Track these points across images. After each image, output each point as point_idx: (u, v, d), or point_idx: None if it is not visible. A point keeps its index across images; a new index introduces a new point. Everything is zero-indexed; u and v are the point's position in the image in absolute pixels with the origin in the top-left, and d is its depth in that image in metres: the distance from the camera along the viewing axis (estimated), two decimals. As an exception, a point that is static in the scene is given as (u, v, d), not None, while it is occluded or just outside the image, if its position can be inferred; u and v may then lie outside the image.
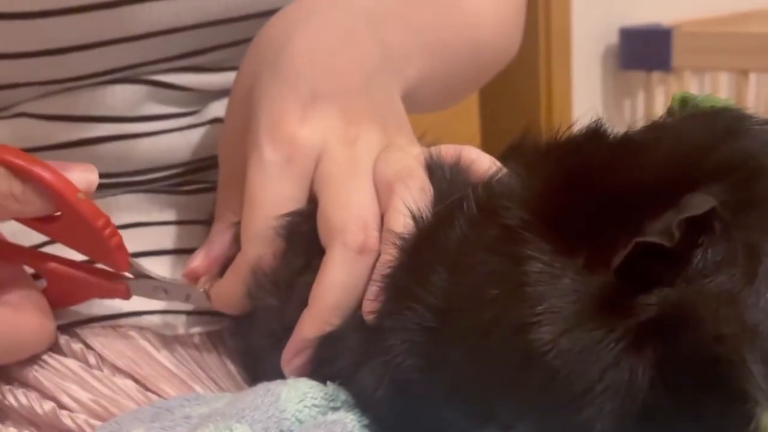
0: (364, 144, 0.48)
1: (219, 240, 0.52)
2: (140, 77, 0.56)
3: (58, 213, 0.45)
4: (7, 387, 0.49)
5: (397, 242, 0.43)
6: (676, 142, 0.38)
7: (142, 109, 0.56)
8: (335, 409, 0.42)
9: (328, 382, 0.43)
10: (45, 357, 0.50)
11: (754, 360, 0.33)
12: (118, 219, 0.55)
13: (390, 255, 0.43)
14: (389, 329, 0.41)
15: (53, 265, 0.49)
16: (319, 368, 0.44)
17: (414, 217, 0.44)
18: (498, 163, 0.47)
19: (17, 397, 0.48)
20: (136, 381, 0.50)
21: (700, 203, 0.34)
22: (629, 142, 0.40)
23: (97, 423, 0.47)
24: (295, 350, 0.45)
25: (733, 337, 0.34)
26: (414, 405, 0.41)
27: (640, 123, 0.42)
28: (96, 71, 0.54)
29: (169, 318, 0.53)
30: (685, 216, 0.34)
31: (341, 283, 0.44)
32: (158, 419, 0.44)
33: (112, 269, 0.49)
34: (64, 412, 0.48)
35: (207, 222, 0.55)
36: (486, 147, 0.49)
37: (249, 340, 0.50)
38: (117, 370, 0.51)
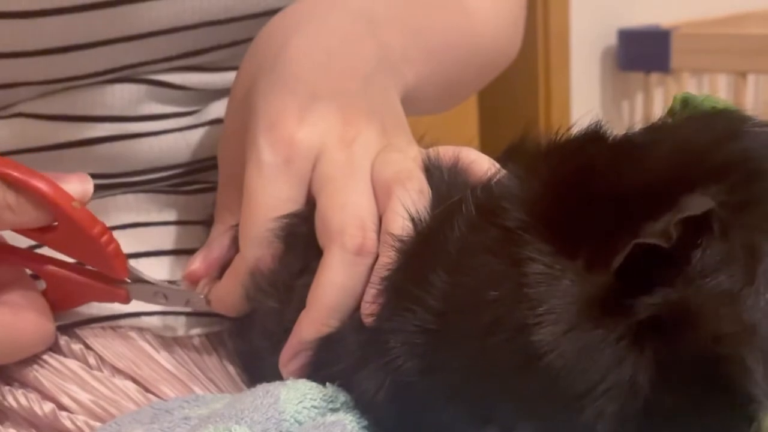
0: (362, 145, 0.48)
1: (218, 242, 0.52)
2: (140, 77, 0.56)
3: (55, 223, 0.45)
4: (7, 388, 0.49)
5: (396, 244, 0.43)
6: (676, 144, 0.38)
7: (141, 109, 0.56)
8: (334, 410, 0.42)
9: (328, 384, 0.43)
10: (45, 357, 0.50)
11: (753, 360, 0.34)
12: (117, 219, 0.55)
13: (388, 257, 0.43)
14: (389, 331, 0.41)
15: (53, 268, 0.49)
16: (318, 370, 0.44)
17: (412, 219, 0.44)
18: (497, 165, 0.47)
19: (17, 398, 0.48)
20: (136, 382, 0.50)
21: (698, 204, 0.34)
22: (629, 143, 0.40)
23: (96, 424, 0.47)
24: (293, 352, 0.45)
25: (732, 337, 0.34)
26: (414, 407, 0.41)
27: (639, 124, 0.42)
28: (96, 71, 0.54)
29: (169, 319, 0.53)
30: (683, 217, 0.34)
31: (339, 285, 0.44)
32: (157, 420, 0.44)
33: (109, 275, 0.49)
34: (64, 414, 0.48)
35: (206, 222, 0.55)
36: (485, 148, 0.49)
37: (248, 341, 0.50)
38: (117, 371, 0.51)
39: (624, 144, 0.40)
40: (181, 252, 0.55)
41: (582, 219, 0.37)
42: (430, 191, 0.46)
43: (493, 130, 1.81)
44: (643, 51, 1.99)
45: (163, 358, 0.52)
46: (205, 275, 0.51)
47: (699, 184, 0.36)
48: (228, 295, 0.49)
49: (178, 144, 0.57)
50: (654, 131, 0.41)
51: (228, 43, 0.57)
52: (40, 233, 0.46)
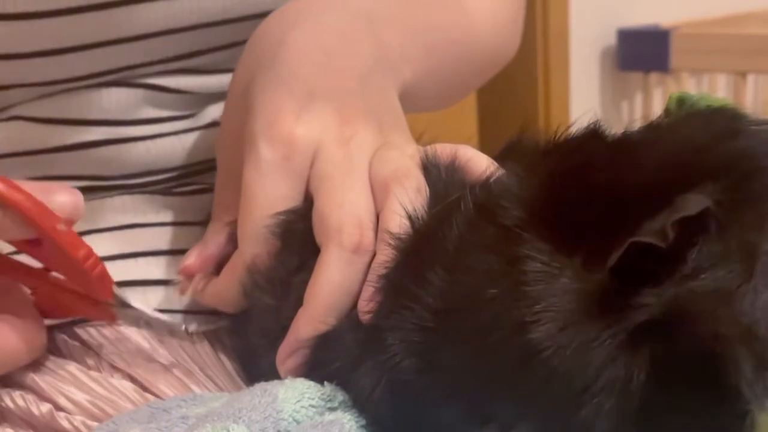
0: (359, 143, 0.48)
1: (214, 239, 0.52)
2: (136, 80, 0.56)
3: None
4: (5, 389, 0.49)
5: (393, 242, 0.43)
6: (674, 142, 0.38)
7: (137, 113, 0.56)
8: (332, 409, 0.42)
9: (326, 383, 0.43)
10: (42, 359, 0.50)
11: (748, 359, 0.34)
12: (113, 220, 0.55)
13: (386, 255, 0.43)
14: (387, 329, 0.41)
15: (42, 283, 0.49)
16: (315, 368, 0.44)
17: (410, 217, 0.44)
18: (494, 163, 0.47)
19: (14, 400, 0.48)
20: (134, 380, 0.50)
21: (694, 203, 0.34)
22: (627, 142, 0.40)
23: (94, 424, 0.47)
24: (290, 350, 0.45)
25: (728, 335, 0.34)
26: (412, 405, 0.41)
27: (638, 124, 0.42)
28: (92, 72, 0.54)
29: (167, 317, 0.53)
30: (679, 216, 0.34)
31: (336, 283, 0.44)
32: (155, 420, 0.43)
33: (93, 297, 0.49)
34: (61, 414, 0.48)
35: (203, 224, 0.55)
36: (484, 147, 0.49)
37: (245, 339, 0.50)
38: (115, 369, 0.51)
39: (622, 142, 0.40)
40: (177, 252, 0.55)
41: (580, 217, 0.37)
42: (428, 189, 0.46)
43: (492, 129, 1.81)
44: (642, 51, 1.99)
45: (161, 356, 0.52)
46: (199, 270, 0.51)
47: (696, 183, 0.36)
48: (226, 291, 0.49)
49: (174, 147, 0.57)
50: (652, 130, 0.41)
51: (225, 44, 0.57)
52: (27, 245, 0.45)
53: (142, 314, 0.49)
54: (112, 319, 0.49)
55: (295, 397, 0.41)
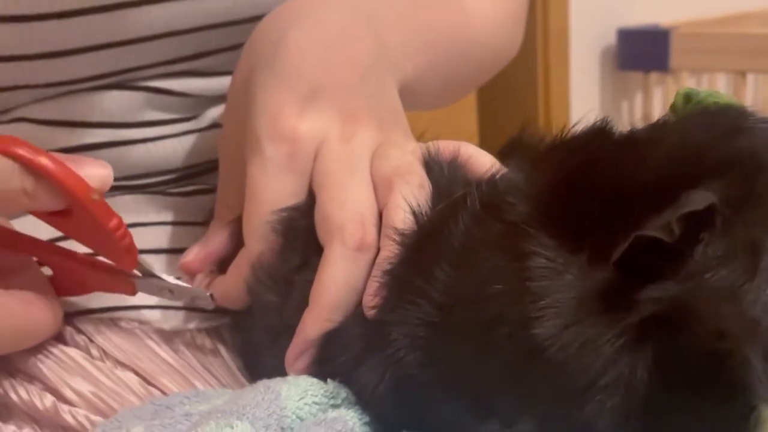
0: (360, 140, 0.48)
1: (214, 236, 0.52)
2: (138, 83, 0.56)
3: (70, 208, 0.44)
4: (9, 381, 0.49)
5: (398, 238, 0.43)
6: (680, 140, 0.38)
7: (139, 116, 0.56)
8: (336, 406, 0.42)
9: (329, 380, 0.43)
10: (49, 347, 0.50)
11: (754, 355, 0.34)
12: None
13: (391, 251, 0.43)
14: (391, 324, 0.41)
15: (59, 258, 0.49)
16: (321, 364, 0.44)
17: (414, 213, 0.44)
18: (495, 160, 0.47)
19: (18, 393, 0.48)
20: (138, 374, 0.50)
21: (700, 199, 0.34)
22: (633, 139, 0.40)
23: (97, 419, 0.47)
24: (298, 351, 0.45)
25: (733, 332, 0.34)
26: (415, 400, 0.41)
27: (638, 123, 0.42)
28: (94, 74, 0.54)
29: (170, 313, 0.53)
30: (685, 211, 0.34)
31: (341, 281, 0.44)
32: (158, 417, 0.43)
33: (119, 267, 0.49)
34: (65, 408, 0.48)
35: (203, 223, 0.55)
36: (484, 146, 0.49)
37: (248, 335, 0.50)
38: (119, 363, 0.51)
39: (628, 140, 0.40)
40: (178, 251, 0.55)
41: (586, 214, 0.37)
42: (430, 185, 0.46)
43: (492, 128, 1.81)
44: (642, 50, 1.99)
45: (164, 351, 0.52)
46: (199, 267, 0.51)
47: (702, 180, 0.36)
48: (232, 289, 0.49)
49: (175, 149, 0.57)
50: (657, 128, 0.41)
51: (227, 46, 0.57)
52: (54, 217, 0.45)
53: (166, 283, 0.49)
54: (131, 292, 0.49)
55: (299, 394, 0.41)
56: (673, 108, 0.43)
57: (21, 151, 0.42)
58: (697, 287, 0.34)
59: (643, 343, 0.35)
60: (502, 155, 0.48)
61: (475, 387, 0.39)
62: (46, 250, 0.49)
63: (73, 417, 0.47)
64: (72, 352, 0.50)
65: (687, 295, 0.34)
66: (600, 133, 0.42)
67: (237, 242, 0.50)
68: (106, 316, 0.52)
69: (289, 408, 0.41)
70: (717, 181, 0.36)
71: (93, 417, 0.47)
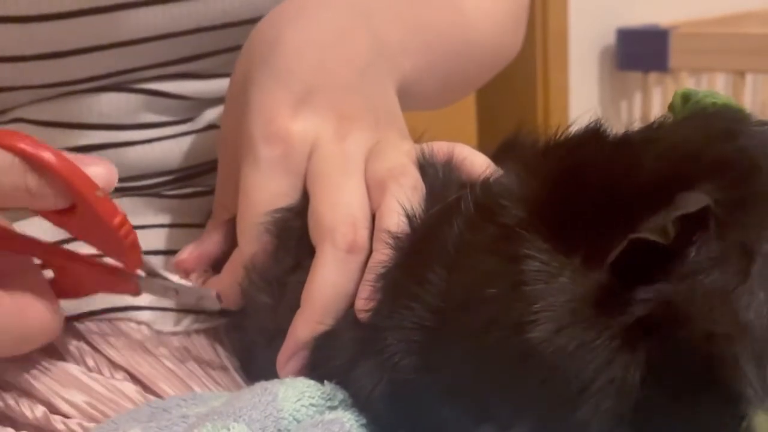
0: (355, 140, 0.48)
1: (209, 236, 0.52)
2: (135, 85, 0.56)
3: (73, 206, 0.44)
4: (5, 393, 0.48)
5: (391, 241, 0.43)
6: (674, 142, 0.38)
7: (136, 117, 0.56)
8: (333, 408, 0.42)
9: (326, 381, 0.43)
10: (42, 362, 0.49)
11: (746, 358, 0.34)
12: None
13: (384, 254, 0.43)
14: (386, 328, 0.41)
15: (62, 259, 0.49)
16: (315, 368, 0.44)
17: (408, 216, 0.44)
18: (491, 162, 0.47)
19: (7, 403, 0.48)
20: (134, 378, 0.50)
21: (694, 201, 0.34)
22: (627, 141, 0.40)
23: (91, 425, 0.47)
24: (290, 353, 0.45)
25: (725, 335, 0.34)
26: (411, 404, 0.41)
27: (637, 124, 0.42)
28: (92, 76, 0.54)
29: (167, 315, 0.53)
30: (679, 213, 0.34)
31: (332, 283, 0.44)
32: (155, 419, 0.43)
33: (124, 266, 0.49)
34: (57, 417, 0.47)
35: (200, 225, 0.55)
36: (483, 147, 0.49)
37: (244, 336, 0.50)
38: (114, 366, 0.50)
39: (622, 142, 0.40)
40: (175, 253, 0.55)
41: (580, 217, 0.37)
42: (424, 187, 0.46)
43: (491, 128, 1.81)
44: (641, 50, 1.99)
45: (161, 354, 0.52)
46: (193, 266, 0.51)
47: (696, 182, 0.36)
48: (226, 289, 0.49)
49: (171, 151, 0.57)
50: (652, 129, 0.41)
51: (224, 49, 0.57)
52: (57, 215, 0.44)
53: (171, 283, 0.49)
54: (135, 293, 0.49)
55: (296, 395, 0.41)
56: (671, 108, 0.43)
57: (24, 146, 0.41)
58: (690, 289, 0.34)
59: (637, 345, 0.35)
60: (496, 157, 0.48)
61: (471, 391, 0.39)
62: (49, 251, 0.49)
63: (66, 425, 0.47)
64: (65, 365, 0.50)
65: (680, 297, 0.34)
66: (594, 134, 0.42)
67: (232, 242, 0.50)
68: (104, 318, 0.52)
69: (286, 410, 0.41)
70: (711, 183, 0.36)
71: (87, 424, 0.47)
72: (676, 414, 0.35)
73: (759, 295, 0.34)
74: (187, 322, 0.53)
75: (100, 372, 0.50)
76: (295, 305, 0.45)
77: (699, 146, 0.37)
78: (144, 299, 0.52)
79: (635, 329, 0.35)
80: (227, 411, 0.40)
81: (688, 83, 2.00)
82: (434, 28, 0.60)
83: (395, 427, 0.42)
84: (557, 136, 0.43)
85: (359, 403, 0.42)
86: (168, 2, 0.53)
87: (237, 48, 0.55)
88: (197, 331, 0.54)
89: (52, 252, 0.49)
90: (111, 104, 0.55)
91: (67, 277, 0.49)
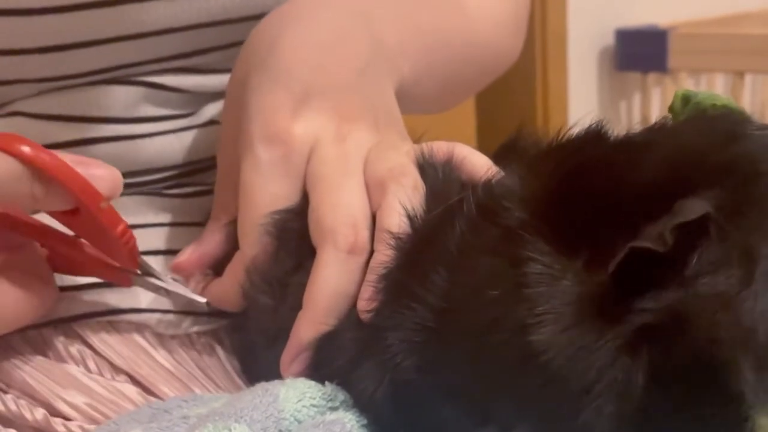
0: (355, 141, 0.48)
1: (209, 239, 0.52)
2: (136, 78, 0.55)
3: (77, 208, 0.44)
4: (4, 395, 0.48)
5: (393, 242, 0.43)
6: (677, 145, 0.38)
7: (137, 111, 0.56)
8: (334, 408, 0.42)
9: (327, 382, 0.43)
10: (42, 363, 0.49)
11: (748, 363, 0.34)
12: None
13: (386, 255, 0.43)
14: (388, 329, 0.41)
15: (58, 243, 0.49)
16: (317, 368, 0.44)
17: (409, 216, 0.44)
18: (490, 162, 0.47)
19: (7, 405, 0.48)
20: (135, 380, 0.50)
21: (693, 208, 0.34)
22: (629, 144, 0.40)
23: (92, 427, 0.47)
24: (293, 355, 0.45)
25: (728, 340, 0.34)
26: (413, 405, 0.41)
27: (637, 124, 0.42)
28: (92, 69, 0.54)
29: (168, 317, 0.53)
30: (677, 222, 0.34)
31: (333, 284, 0.44)
32: (156, 420, 0.44)
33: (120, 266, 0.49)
34: (57, 420, 0.47)
35: (201, 224, 0.55)
36: (482, 147, 0.49)
37: (246, 337, 0.50)
38: (115, 369, 0.50)
39: (624, 144, 0.40)
40: (175, 252, 0.55)
41: (582, 218, 0.37)
42: (425, 188, 0.46)
43: (490, 129, 1.81)
44: (640, 51, 1.99)
45: (161, 356, 0.52)
46: (192, 268, 0.51)
47: (698, 186, 0.36)
48: (228, 291, 0.49)
49: (172, 146, 0.57)
50: (654, 132, 0.41)
51: (225, 44, 0.57)
52: (61, 215, 0.45)
53: (162, 283, 0.49)
54: (127, 284, 0.50)
55: (297, 396, 0.42)
56: (671, 110, 0.43)
57: (28, 152, 0.41)
58: (692, 295, 0.34)
59: (640, 349, 0.35)
60: (497, 158, 0.48)
61: (472, 392, 0.39)
62: (47, 234, 0.49)
63: (66, 427, 0.47)
64: (66, 366, 0.50)
65: (682, 302, 0.34)
66: (596, 136, 0.42)
67: (233, 244, 0.50)
68: (104, 320, 0.52)
69: (287, 410, 0.41)
70: (713, 188, 0.36)
71: (87, 426, 0.47)
72: (678, 418, 0.35)
73: (761, 299, 0.34)
74: (187, 324, 0.53)
75: (101, 375, 0.50)
76: (296, 306, 0.45)
77: (702, 149, 0.37)
78: (145, 301, 0.52)
79: (638, 333, 0.35)
80: (228, 412, 0.40)
81: (687, 84, 2.00)
82: (435, 30, 0.60)
83: (396, 428, 0.42)
84: (559, 138, 0.43)
85: (362, 403, 0.42)
86: None
87: (236, 44, 0.55)
88: (198, 334, 0.54)
89: (49, 234, 0.49)
90: (110, 97, 0.55)
91: (63, 259, 0.49)
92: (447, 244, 0.41)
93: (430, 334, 0.40)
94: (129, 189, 0.56)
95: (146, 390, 0.50)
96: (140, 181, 0.57)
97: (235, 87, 0.52)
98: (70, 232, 0.49)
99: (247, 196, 0.48)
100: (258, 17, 0.54)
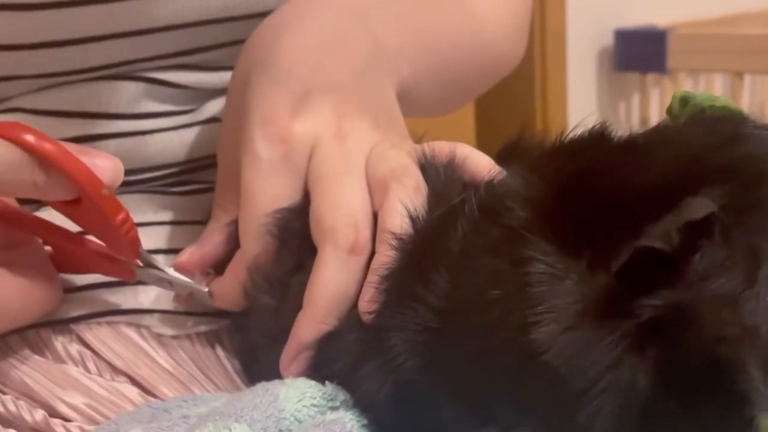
0: (356, 140, 0.48)
1: (209, 238, 0.52)
2: (137, 74, 0.56)
3: (79, 198, 0.44)
4: (4, 396, 0.48)
5: (395, 243, 0.43)
6: (680, 146, 0.38)
7: (138, 107, 0.56)
8: (334, 408, 0.42)
9: (327, 382, 0.43)
10: (41, 363, 0.49)
11: (753, 363, 0.34)
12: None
13: (387, 255, 0.43)
14: (390, 329, 0.41)
15: (61, 239, 0.49)
16: (318, 369, 0.44)
17: (411, 217, 0.44)
18: (492, 161, 0.47)
19: (6, 406, 0.48)
20: (134, 381, 0.50)
21: (699, 207, 0.34)
22: (633, 144, 0.40)
23: (91, 428, 0.47)
24: (293, 354, 0.45)
25: (732, 339, 0.34)
26: (415, 405, 0.41)
27: (636, 125, 0.42)
28: (92, 66, 0.54)
29: (167, 317, 0.53)
30: (684, 220, 0.34)
31: (334, 284, 0.44)
32: (156, 420, 0.43)
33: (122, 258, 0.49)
34: (57, 421, 0.47)
35: (202, 223, 0.55)
36: (482, 148, 0.49)
37: (247, 337, 0.50)
38: (115, 370, 0.50)
39: (628, 145, 0.40)
40: (176, 251, 0.55)
41: (585, 219, 0.37)
42: (427, 188, 0.46)
43: (489, 130, 1.81)
44: (639, 51, 2.00)
45: (161, 357, 0.52)
46: (193, 268, 0.51)
47: (702, 186, 0.36)
48: (229, 291, 0.49)
49: (173, 143, 0.57)
50: (658, 133, 0.41)
51: (226, 42, 0.57)
52: (63, 205, 0.45)
53: (166, 275, 0.49)
54: (130, 277, 0.50)
55: (297, 396, 0.41)
56: (669, 111, 0.43)
57: (30, 139, 0.41)
58: (696, 295, 0.34)
59: (642, 349, 0.35)
60: (499, 158, 0.48)
61: (474, 392, 0.39)
62: (49, 230, 0.49)
63: (66, 429, 0.47)
64: (66, 367, 0.50)
65: (686, 301, 0.34)
66: (599, 137, 0.42)
67: (234, 244, 0.50)
68: (104, 321, 0.52)
69: (287, 410, 0.41)
70: (717, 188, 0.35)
71: (87, 427, 0.47)
72: (682, 418, 0.35)
73: (766, 298, 0.34)
74: (188, 325, 0.53)
75: (100, 376, 0.50)
76: (297, 306, 0.45)
77: (706, 150, 0.37)
78: (146, 302, 0.52)
79: (642, 332, 0.35)
80: (228, 411, 0.40)
81: (686, 84, 2.00)
82: (436, 33, 0.60)
83: (397, 428, 0.42)
84: (562, 138, 0.43)
85: (364, 405, 0.42)
86: None
87: (237, 42, 0.55)
88: (198, 334, 0.54)
89: (52, 231, 0.49)
90: (111, 93, 0.55)
91: (66, 256, 0.49)
92: (449, 245, 0.41)
93: (432, 334, 0.40)
94: (130, 187, 0.56)
95: (146, 391, 0.50)
96: (141, 179, 0.57)
97: (236, 87, 0.52)
98: (72, 229, 0.49)
99: (248, 195, 0.48)
100: (260, 15, 0.54)
